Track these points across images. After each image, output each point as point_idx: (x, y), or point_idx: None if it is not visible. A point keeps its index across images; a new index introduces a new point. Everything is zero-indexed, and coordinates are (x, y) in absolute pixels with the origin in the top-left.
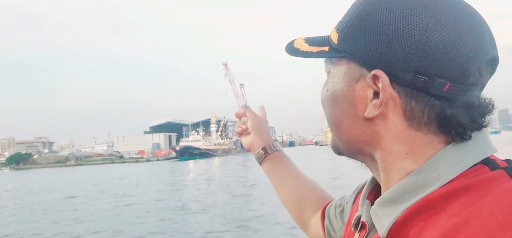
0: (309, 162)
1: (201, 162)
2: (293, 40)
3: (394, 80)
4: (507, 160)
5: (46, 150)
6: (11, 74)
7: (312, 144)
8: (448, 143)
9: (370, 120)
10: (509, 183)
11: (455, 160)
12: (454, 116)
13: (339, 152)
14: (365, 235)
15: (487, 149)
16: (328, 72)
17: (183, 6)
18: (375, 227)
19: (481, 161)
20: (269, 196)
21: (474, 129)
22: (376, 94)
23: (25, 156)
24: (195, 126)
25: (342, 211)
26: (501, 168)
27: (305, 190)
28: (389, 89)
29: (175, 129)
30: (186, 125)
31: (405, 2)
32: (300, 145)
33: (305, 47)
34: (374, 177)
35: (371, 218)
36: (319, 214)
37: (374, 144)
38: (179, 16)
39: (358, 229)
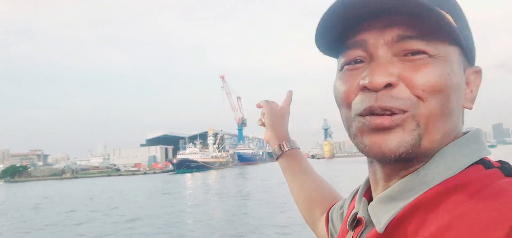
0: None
1: (199, 175)
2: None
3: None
4: (500, 161)
5: (40, 163)
6: (5, 87)
7: (309, 157)
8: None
9: (460, 112)
10: (503, 181)
11: (453, 160)
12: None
13: (413, 152)
14: (361, 231)
15: (483, 150)
16: (432, 56)
17: (179, 20)
18: (371, 223)
19: (476, 161)
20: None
21: None
22: (469, 87)
23: (20, 169)
24: (192, 139)
25: (343, 213)
26: (495, 167)
27: (316, 190)
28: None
29: (171, 142)
30: (183, 138)
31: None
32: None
33: (449, 18)
34: (369, 177)
35: (368, 214)
36: (324, 216)
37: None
38: (175, 30)
39: (353, 226)
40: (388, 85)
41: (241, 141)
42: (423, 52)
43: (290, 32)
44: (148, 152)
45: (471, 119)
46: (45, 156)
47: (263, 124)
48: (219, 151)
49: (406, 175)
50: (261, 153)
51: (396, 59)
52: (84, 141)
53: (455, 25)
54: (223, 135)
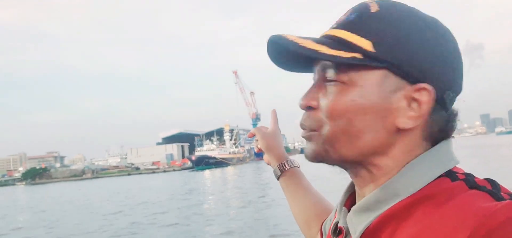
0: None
1: (218, 171)
2: (294, 40)
3: (436, 95)
4: (465, 173)
5: (58, 164)
6: (20, 92)
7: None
8: (424, 149)
9: (395, 131)
10: (466, 193)
11: (421, 172)
12: (451, 127)
13: (320, 160)
14: None
15: (451, 161)
16: (337, 81)
17: (189, 17)
18: (349, 232)
19: (445, 172)
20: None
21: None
22: (411, 106)
23: (40, 171)
24: (209, 135)
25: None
26: (460, 180)
27: (315, 206)
28: (431, 103)
29: (187, 139)
30: (198, 135)
31: (436, 25)
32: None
33: (326, 50)
34: (350, 185)
35: (347, 224)
36: (319, 229)
37: (386, 154)
38: (185, 27)
39: (336, 234)
40: (309, 107)
41: None
42: (335, 80)
43: (300, 23)
44: (165, 150)
45: (487, 105)
46: (62, 158)
47: (260, 150)
48: (236, 147)
49: (376, 185)
50: None
51: (323, 85)
52: (98, 142)
53: (372, 51)
54: (239, 131)
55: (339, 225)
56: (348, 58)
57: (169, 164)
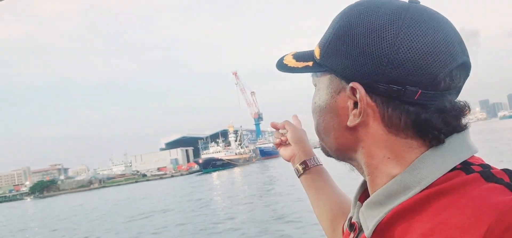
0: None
1: (226, 173)
2: (284, 56)
3: (370, 90)
4: (482, 165)
5: (62, 176)
6: (17, 107)
7: None
8: (428, 146)
9: (353, 128)
10: (482, 187)
11: (434, 165)
12: (428, 121)
13: (328, 154)
14: (355, 235)
15: (466, 152)
16: (315, 85)
17: (184, 21)
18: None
19: (460, 164)
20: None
21: (449, 132)
22: (356, 105)
23: (48, 184)
24: (213, 137)
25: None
26: (476, 172)
27: (339, 207)
28: (366, 99)
29: (190, 143)
30: (201, 138)
31: (376, 20)
32: (314, 148)
33: (293, 63)
34: (364, 180)
35: (359, 219)
36: (341, 229)
37: (358, 150)
38: (181, 32)
39: (352, 229)
40: None
41: (259, 135)
42: (315, 85)
43: (295, 21)
44: (169, 155)
45: (485, 91)
46: (66, 170)
47: (281, 144)
48: (241, 148)
49: (370, 179)
50: None
51: None
52: (99, 152)
53: (318, 58)
54: (242, 131)
55: (352, 220)
56: (302, 68)
57: (175, 169)
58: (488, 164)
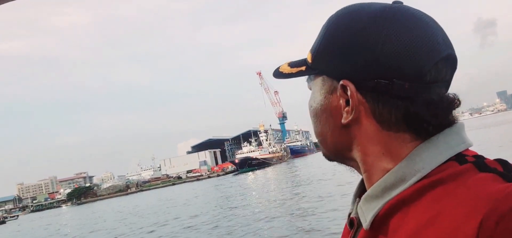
0: None
1: (262, 172)
2: (279, 66)
3: (360, 87)
4: (475, 156)
5: (88, 184)
6: (39, 119)
7: None
8: (421, 140)
9: (346, 126)
10: (476, 176)
11: (429, 157)
12: (416, 113)
13: (330, 159)
14: (354, 231)
15: (460, 145)
16: (310, 89)
17: (197, 27)
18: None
19: (453, 156)
20: None
21: (439, 125)
22: (347, 102)
23: (85, 190)
24: (237, 139)
25: None
26: (470, 162)
27: None
28: (356, 95)
29: (216, 145)
30: (227, 140)
31: (360, 20)
32: None
33: (287, 70)
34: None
35: (358, 214)
36: None
37: (354, 148)
38: (192, 38)
39: (352, 226)
40: None
41: (286, 134)
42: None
43: (304, 20)
44: (197, 157)
45: (502, 82)
46: (91, 178)
47: None
48: (272, 147)
49: (366, 177)
50: (309, 144)
51: None
52: (123, 158)
53: (310, 62)
54: (271, 130)
55: (351, 216)
56: (296, 73)
57: (209, 170)
58: (481, 155)
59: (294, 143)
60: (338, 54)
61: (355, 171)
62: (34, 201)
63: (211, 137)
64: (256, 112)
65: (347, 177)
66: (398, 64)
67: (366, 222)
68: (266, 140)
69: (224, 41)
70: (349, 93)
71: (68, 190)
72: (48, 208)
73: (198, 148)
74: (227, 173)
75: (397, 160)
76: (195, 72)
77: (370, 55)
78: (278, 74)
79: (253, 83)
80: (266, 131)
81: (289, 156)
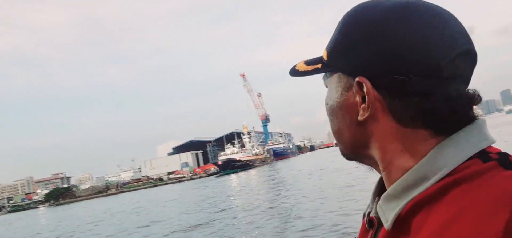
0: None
1: (245, 174)
2: (296, 64)
3: (377, 84)
4: (499, 153)
5: (65, 185)
6: (16, 117)
7: (332, 146)
8: (440, 137)
9: (363, 123)
10: (500, 174)
11: (450, 154)
12: (434, 110)
13: (348, 158)
14: (374, 231)
15: (482, 141)
16: (326, 86)
17: (177, 28)
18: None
19: (476, 153)
20: None
21: (458, 122)
22: (363, 99)
23: (63, 190)
24: (219, 141)
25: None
26: (493, 160)
27: None
28: (373, 92)
29: (198, 147)
30: (209, 141)
31: (375, 16)
32: (319, 148)
33: (303, 68)
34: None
35: (378, 213)
36: None
37: (371, 145)
38: (174, 39)
39: (371, 226)
40: None
41: (268, 137)
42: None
43: (292, 25)
44: (179, 159)
45: (479, 88)
46: (68, 178)
47: None
48: (256, 149)
49: (385, 174)
50: (291, 146)
51: None
52: (101, 159)
53: (326, 59)
54: (253, 133)
55: (371, 215)
56: (312, 70)
57: (191, 171)
58: (506, 152)
59: (277, 146)
60: (354, 51)
61: (374, 170)
62: (10, 202)
63: (193, 138)
64: (239, 114)
65: (331, 178)
66: (414, 59)
67: (387, 222)
68: (249, 142)
69: (207, 43)
70: (365, 89)
71: (46, 191)
72: (25, 209)
73: (179, 149)
74: (209, 175)
75: (417, 157)
76: (177, 74)
77: (386, 51)
78: (294, 72)
79: (236, 85)
80: (249, 133)
81: (272, 158)
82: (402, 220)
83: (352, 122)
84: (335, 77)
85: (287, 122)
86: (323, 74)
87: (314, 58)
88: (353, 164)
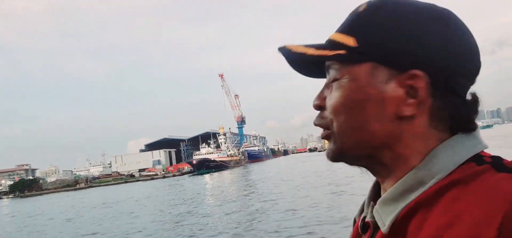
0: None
1: (219, 174)
2: (288, 47)
3: (432, 80)
4: (492, 156)
5: (30, 178)
6: None
7: (306, 152)
8: (447, 138)
9: (400, 119)
10: (494, 177)
11: (447, 158)
12: (466, 112)
13: (338, 158)
14: (370, 235)
15: (477, 146)
16: (338, 78)
17: (157, 25)
18: (378, 226)
19: (471, 157)
20: None
21: (474, 124)
22: (409, 94)
23: (29, 182)
24: (193, 140)
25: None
26: (487, 163)
27: None
28: (427, 89)
29: (172, 145)
30: (183, 140)
31: (428, 10)
32: (292, 153)
33: (313, 51)
34: (377, 181)
35: (374, 218)
36: None
37: (395, 143)
38: (154, 35)
39: (365, 230)
40: (320, 107)
41: (243, 139)
42: (337, 79)
43: (268, 29)
44: (151, 156)
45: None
46: (33, 171)
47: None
48: (231, 150)
49: (395, 176)
50: (265, 150)
51: (329, 85)
52: (69, 153)
53: (355, 46)
54: (229, 134)
55: (366, 220)
56: (331, 56)
57: (164, 169)
58: (499, 156)
59: (251, 148)
60: (411, 40)
61: (369, 172)
62: None
63: (166, 136)
64: (215, 115)
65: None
66: (465, 61)
67: (384, 226)
68: (225, 143)
69: (185, 42)
70: (421, 85)
71: (10, 182)
72: None
73: (152, 146)
74: (183, 174)
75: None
76: (151, 69)
77: (445, 48)
78: (297, 55)
79: (214, 86)
80: (225, 134)
81: (247, 160)
82: (400, 224)
83: (383, 117)
84: (365, 67)
85: (262, 125)
86: (327, 64)
87: (322, 43)
88: (330, 167)
